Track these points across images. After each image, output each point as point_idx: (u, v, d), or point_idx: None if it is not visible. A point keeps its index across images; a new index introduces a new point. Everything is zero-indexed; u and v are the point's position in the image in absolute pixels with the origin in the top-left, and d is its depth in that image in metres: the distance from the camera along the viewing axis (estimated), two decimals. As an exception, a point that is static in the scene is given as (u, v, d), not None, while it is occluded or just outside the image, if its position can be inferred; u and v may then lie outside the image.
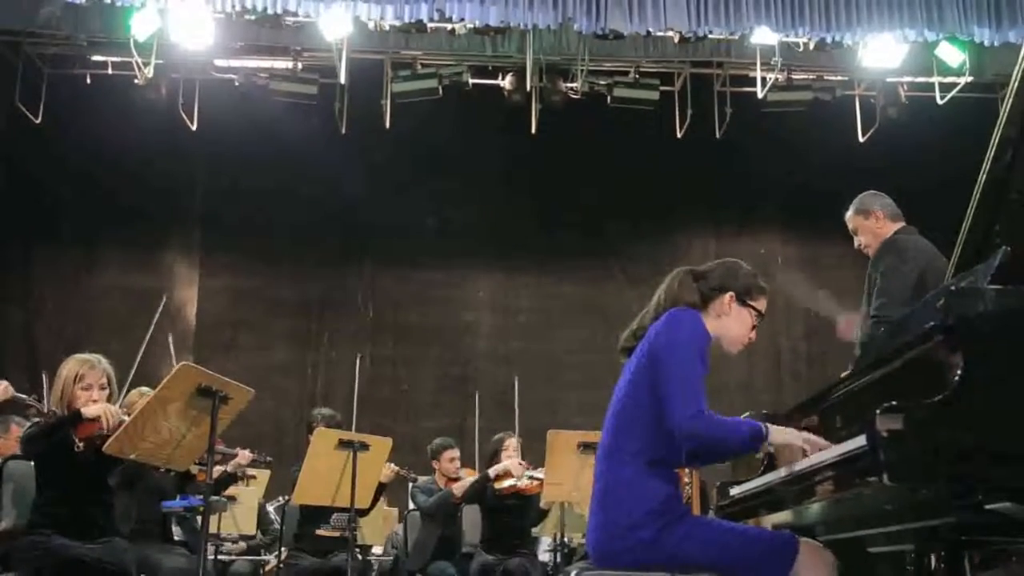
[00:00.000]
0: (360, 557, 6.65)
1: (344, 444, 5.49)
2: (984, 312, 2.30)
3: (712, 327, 3.01)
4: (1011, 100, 2.64)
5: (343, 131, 9.48)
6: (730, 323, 3.08)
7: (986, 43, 8.33)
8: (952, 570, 2.37)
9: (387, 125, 9.24)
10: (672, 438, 2.80)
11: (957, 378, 2.21)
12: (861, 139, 9.48)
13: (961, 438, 2.18)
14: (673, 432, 2.76)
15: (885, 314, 4.20)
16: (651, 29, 8.48)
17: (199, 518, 4.93)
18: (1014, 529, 2.26)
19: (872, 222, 4.71)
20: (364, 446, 5.52)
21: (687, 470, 5.04)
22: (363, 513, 6.23)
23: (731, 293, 3.08)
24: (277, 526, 7.09)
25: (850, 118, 9.54)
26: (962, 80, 8.96)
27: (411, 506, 7.01)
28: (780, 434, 2.81)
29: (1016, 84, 2.65)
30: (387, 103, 9.23)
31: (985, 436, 2.18)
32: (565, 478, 5.39)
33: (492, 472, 6.64)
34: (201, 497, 4.60)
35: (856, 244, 4.86)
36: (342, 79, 8.93)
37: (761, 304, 3.13)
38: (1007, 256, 2.43)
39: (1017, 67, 2.65)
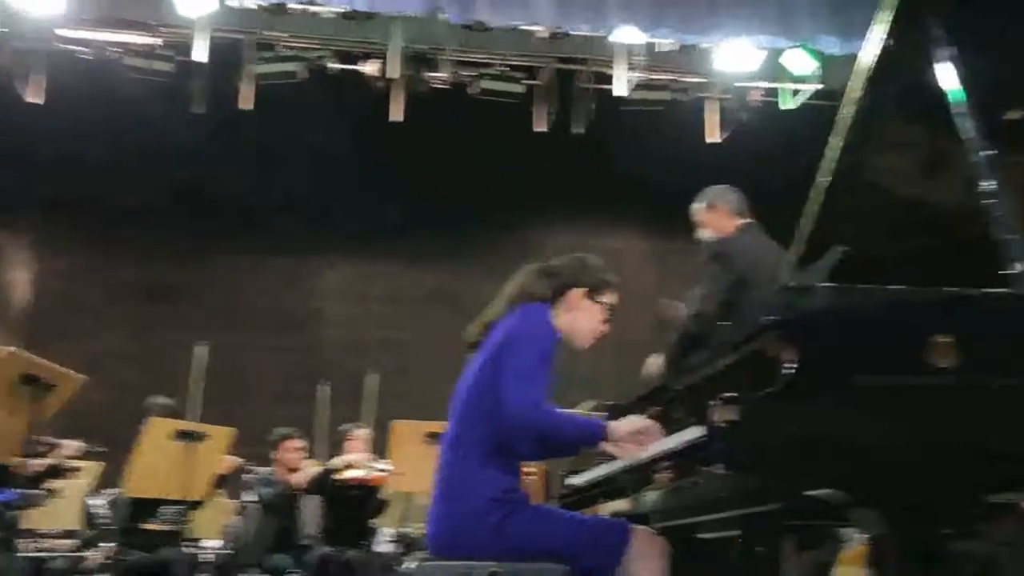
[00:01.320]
0: (191, 550, 6.43)
1: (181, 435, 5.32)
2: (815, 310, 2.38)
3: (562, 323, 3.03)
4: (849, 107, 2.74)
5: (199, 111, 9.19)
6: (580, 318, 3.10)
7: (836, 53, 8.68)
8: (773, 551, 2.46)
9: (246, 106, 9.00)
10: None
11: (786, 372, 2.28)
12: (714, 140, 9.73)
13: (788, 429, 2.26)
14: (506, 422, 2.75)
15: (704, 311, 4.29)
16: (518, 23, 8.52)
17: (16, 513, 4.67)
18: (832, 514, 2.35)
19: (715, 217, 4.68)
20: (201, 436, 5.36)
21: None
22: (198, 505, 6.05)
23: (581, 288, 3.09)
24: (104, 520, 6.79)
25: (705, 119, 9.79)
26: (811, 87, 9.32)
27: (249, 497, 6.84)
28: (621, 426, 2.80)
29: (854, 91, 2.75)
30: (247, 84, 9.00)
31: (809, 428, 2.26)
32: (410, 468, 5.35)
33: (335, 463, 6.54)
34: (18, 492, 4.36)
35: (697, 235, 4.77)
36: (201, 57, 8.65)
37: (611, 298, 3.15)
38: (839, 256, 2.52)
39: (855, 72, 2.75)
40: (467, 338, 3.11)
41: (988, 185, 2.55)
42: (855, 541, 2.97)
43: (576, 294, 3.09)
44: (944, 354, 2.26)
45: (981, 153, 2.59)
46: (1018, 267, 2.44)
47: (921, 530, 2.27)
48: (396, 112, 9.20)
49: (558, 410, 2.80)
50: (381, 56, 9.19)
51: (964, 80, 2.64)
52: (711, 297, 4.31)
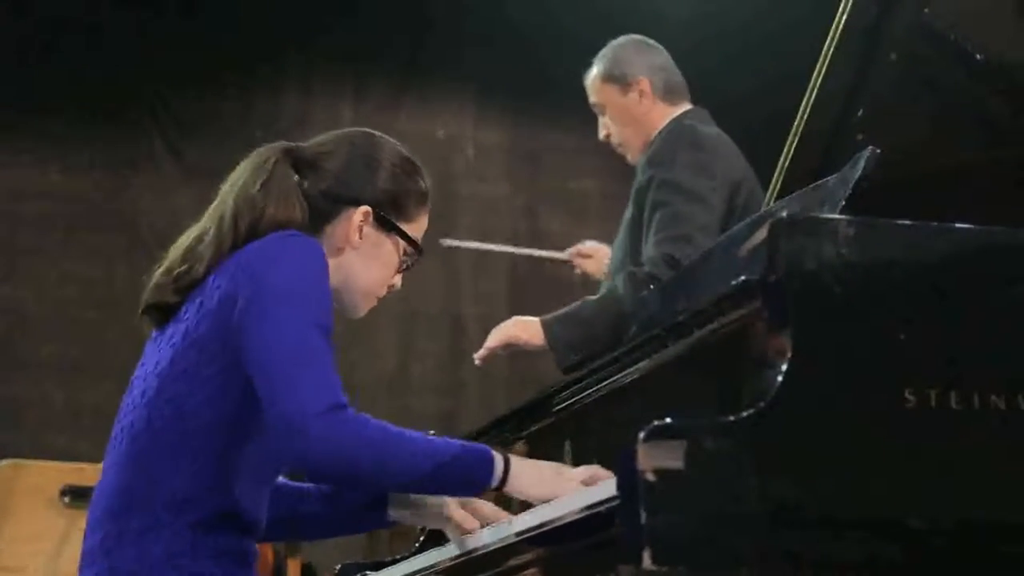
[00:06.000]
0: None
1: None
2: (833, 260, 1.37)
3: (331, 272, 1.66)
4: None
5: None
6: (363, 264, 1.71)
7: None
8: None
9: None
10: (254, 475, 1.56)
11: (782, 377, 1.32)
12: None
13: (789, 484, 1.28)
14: (290, 439, 1.47)
15: (682, 254, 2.56)
16: None
17: None
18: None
19: (630, 99, 2.79)
20: None
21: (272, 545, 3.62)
22: None
23: (366, 207, 1.71)
24: None
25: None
26: None
27: None
28: (531, 473, 1.57)
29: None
30: None
31: (830, 479, 1.30)
32: (38, 548, 3.35)
33: None
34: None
35: (602, 134, 2.90)
36: None
37: (419, 225, 1.79)
38: (874, 161, 1.45)
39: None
40: (145, 301, 1.70)
41: None
42: None
43: (356, 217, 1.71)
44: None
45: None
46: None
47: None
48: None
49: (386, 424, 1.53)
50: None
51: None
52: (694, 223, 2.61)
